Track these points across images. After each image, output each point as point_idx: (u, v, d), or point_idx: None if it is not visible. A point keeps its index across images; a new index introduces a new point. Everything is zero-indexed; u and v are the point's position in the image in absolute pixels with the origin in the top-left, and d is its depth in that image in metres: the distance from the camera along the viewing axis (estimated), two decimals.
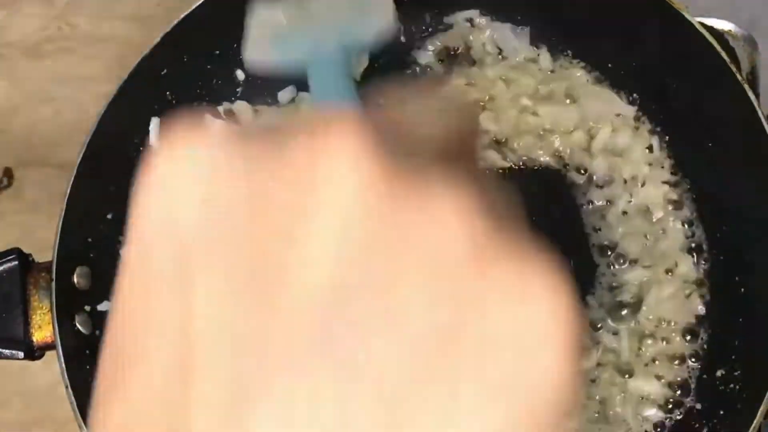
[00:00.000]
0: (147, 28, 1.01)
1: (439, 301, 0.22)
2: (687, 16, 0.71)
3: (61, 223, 0.70)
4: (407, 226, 0.22)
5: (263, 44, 0.60)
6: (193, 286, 0.23)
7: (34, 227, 0.91)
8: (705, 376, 0.73)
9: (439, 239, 0.22)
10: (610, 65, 0.81)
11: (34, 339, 0.69)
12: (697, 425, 0.72)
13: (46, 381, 0.85)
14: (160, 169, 0.24)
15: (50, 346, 0.69)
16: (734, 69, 0.69)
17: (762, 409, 0.64)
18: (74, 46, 1.00)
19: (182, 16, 0.75)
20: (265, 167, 0.23)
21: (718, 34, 0.73)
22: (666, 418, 0.73)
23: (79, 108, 0.96)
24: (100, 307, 0.72)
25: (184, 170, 0.24)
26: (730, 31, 0.76)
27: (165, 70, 0.77)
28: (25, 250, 0.72)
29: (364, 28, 0.58)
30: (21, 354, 0.69)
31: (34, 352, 0.70)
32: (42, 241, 0.72)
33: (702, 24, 0.72)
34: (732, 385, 0.72)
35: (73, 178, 0.71)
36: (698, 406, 0.72)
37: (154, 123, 0.78)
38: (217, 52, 0.81)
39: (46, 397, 0.85)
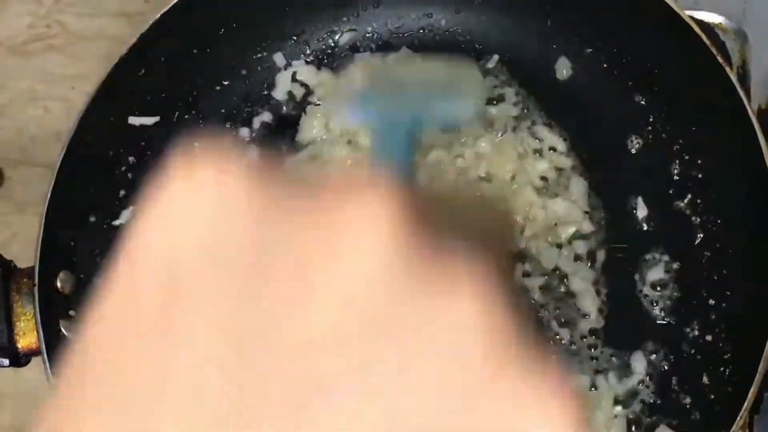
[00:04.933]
0: (136, 25, 0.99)
1: (441, 391, 0.21)
2: (676, 8, 0.70)
3: (42, 227, 0.69)
4: (424, 308, 0.22)
5: (345, 105, 0.63)
6: (176, 323, 0.22)
7: (23, 228, 0.90)
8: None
9: (455, 330, 0.21)
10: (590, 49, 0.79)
11: (19, 346, 0.68)
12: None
13: (39, 384, 0.84)
14: (170, 192, 0.23)
15: (36, 352, 0.68)
16: (723, 62, 0.67)
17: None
18: (63, 45, 0.99)
19: (157, 16, 0.74)
20: (286, 214, 0.22)
21: (707, 28, 0.71)
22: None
23: (68, 107, 0.95)
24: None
25: (196, 200, 0.22)
26: (720, 24, 0.74)
27: (143, 71, 0.76)
28: (15, 251, 0.71)
29: (449, 110, 0.60)
30: (6, 361, 0.68)
31: (19, 359, 0.69)
32: (32, 242, 0.71)
33: (691, 17, 0.70)
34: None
35: (53, 181, 0.70)
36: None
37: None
38: (195, 51, 0.80)
39: (39, 400, 0.84)
